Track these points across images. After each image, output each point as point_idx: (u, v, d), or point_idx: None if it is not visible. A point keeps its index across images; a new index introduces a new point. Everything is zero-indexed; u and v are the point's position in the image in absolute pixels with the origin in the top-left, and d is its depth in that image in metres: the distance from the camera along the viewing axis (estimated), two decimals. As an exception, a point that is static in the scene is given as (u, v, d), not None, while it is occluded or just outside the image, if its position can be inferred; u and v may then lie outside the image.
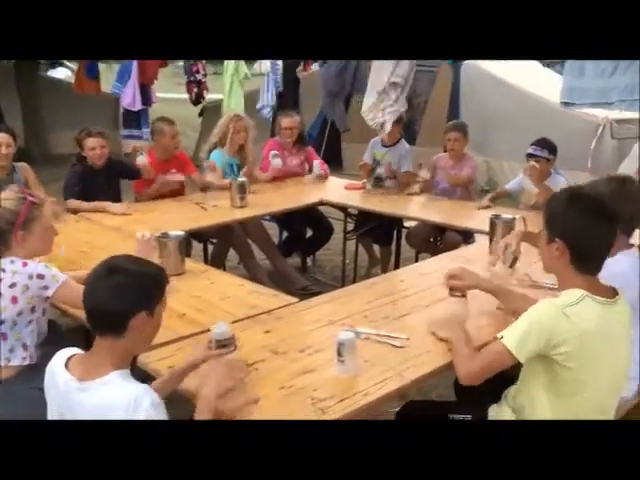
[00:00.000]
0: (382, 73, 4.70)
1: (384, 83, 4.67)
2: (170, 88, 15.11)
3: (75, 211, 3.70)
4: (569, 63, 4.03)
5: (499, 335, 1.73)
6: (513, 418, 1.86)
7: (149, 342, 1.65)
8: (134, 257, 1.62)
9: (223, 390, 1.65)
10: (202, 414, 1.58)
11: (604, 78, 3.77)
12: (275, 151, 4.68)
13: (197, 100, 9.31)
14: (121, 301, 1.48)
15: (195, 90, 9.18)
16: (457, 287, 2.25)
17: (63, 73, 15.35)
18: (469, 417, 1.96)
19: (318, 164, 4.87)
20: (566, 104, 3.95)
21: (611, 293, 1.75)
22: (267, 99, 8.19)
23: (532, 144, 3.84)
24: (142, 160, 4.06)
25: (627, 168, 4.74)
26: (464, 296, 2.27)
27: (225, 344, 1.79)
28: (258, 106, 8.15)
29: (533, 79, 8.35)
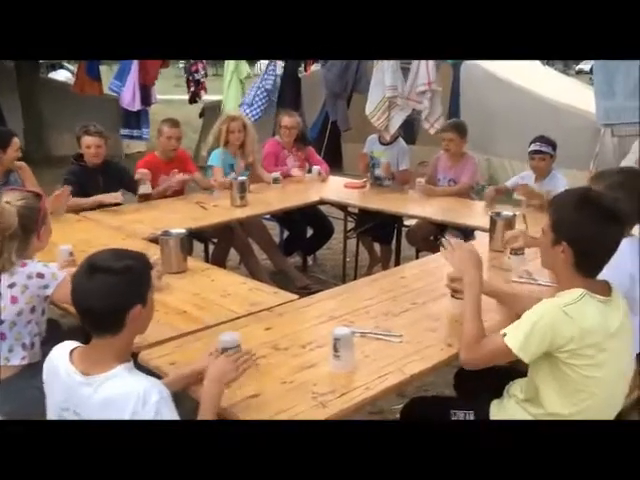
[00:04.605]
0: (386, 76, 4.73)
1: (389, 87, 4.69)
2: (170, 90, 15.15)
3: (75, 210, 3.69)
4: (597, 85, 4.08)
5: (502, 332, 1.73)
6: (517, 412, 1.85)
7: (145, 329, 1.65)
8: (113, 251, 1.56)
9: (227, 381, 1.66)
10: (206, 409, 1.59)
11: (636, 97, 3.85)
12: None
13: (193, 99, 9.29)
14: (114, 301, 1.47)
15: (192, 89, 9.16)
16: (460, 290, 2.20)
17: (64, 75, 15.44)
18: (471, 413, 1.96)
19: (317, 169, 4.85)
20: (606, 125, 4.03)
21: (607, 290, 1.75)
22: (249, 97, 7.72)
23: (535, 141, 3.86)
24: (144, 189, 4.02)
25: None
26: None
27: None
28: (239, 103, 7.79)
29: (533, 77, 8.34)
